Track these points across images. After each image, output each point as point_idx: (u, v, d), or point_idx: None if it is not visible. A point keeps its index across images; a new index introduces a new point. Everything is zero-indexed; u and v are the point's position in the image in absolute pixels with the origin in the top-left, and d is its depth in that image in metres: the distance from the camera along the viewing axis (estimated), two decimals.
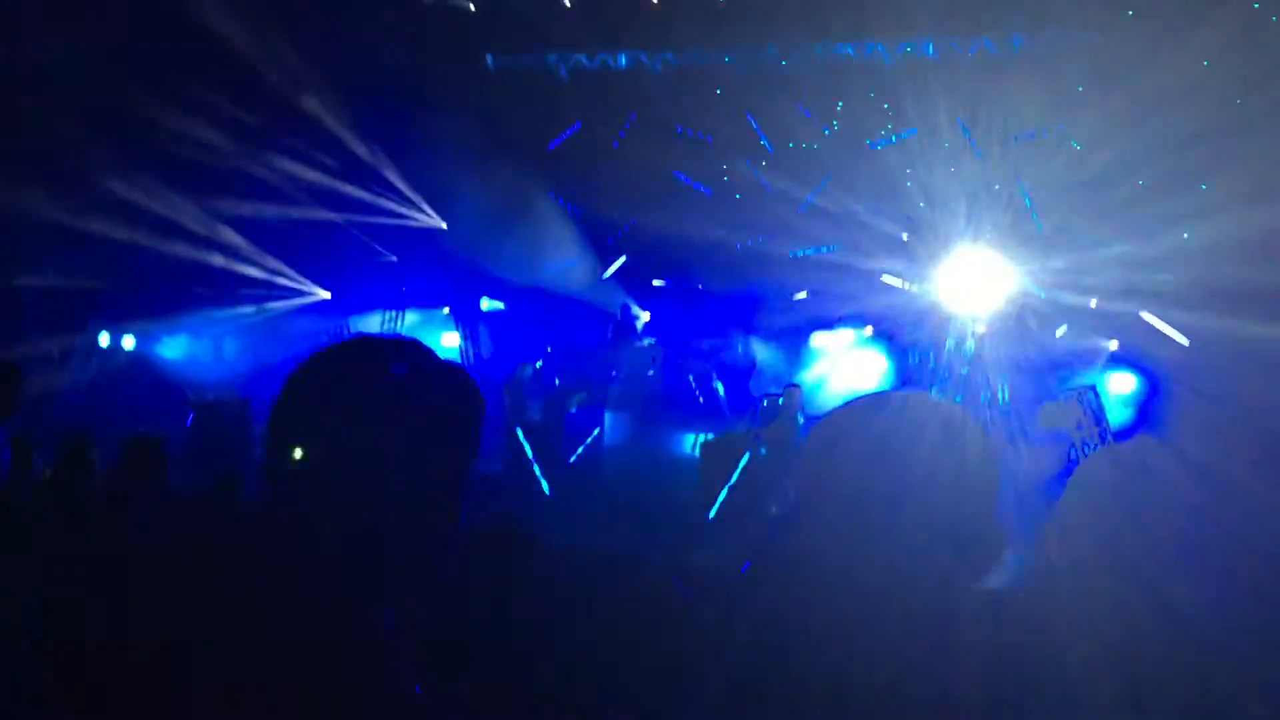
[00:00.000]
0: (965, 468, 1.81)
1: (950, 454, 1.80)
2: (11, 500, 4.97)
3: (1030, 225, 17.48)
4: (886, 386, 15.29)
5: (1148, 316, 15.42)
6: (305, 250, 18.25)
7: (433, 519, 1.63)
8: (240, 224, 17.15)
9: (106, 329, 16.97)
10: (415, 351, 1.70)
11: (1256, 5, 13.49)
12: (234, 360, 17.11)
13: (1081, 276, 16.11)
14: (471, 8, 18.51)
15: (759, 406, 13.34)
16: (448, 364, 1.72)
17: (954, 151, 18.04)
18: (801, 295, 17.42)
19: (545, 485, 12.46)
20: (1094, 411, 11.20)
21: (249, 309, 17.59)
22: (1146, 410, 14.06)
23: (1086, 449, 10.87)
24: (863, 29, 17.36)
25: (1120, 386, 14.36)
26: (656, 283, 18.86)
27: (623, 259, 19.51)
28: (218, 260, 16.92)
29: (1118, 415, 12.73)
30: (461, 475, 1.69)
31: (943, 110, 17.73)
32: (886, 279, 17.84)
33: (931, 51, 17.24)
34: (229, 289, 17.41)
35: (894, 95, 17.89)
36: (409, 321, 18.48)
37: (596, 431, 13.67)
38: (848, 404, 1.95)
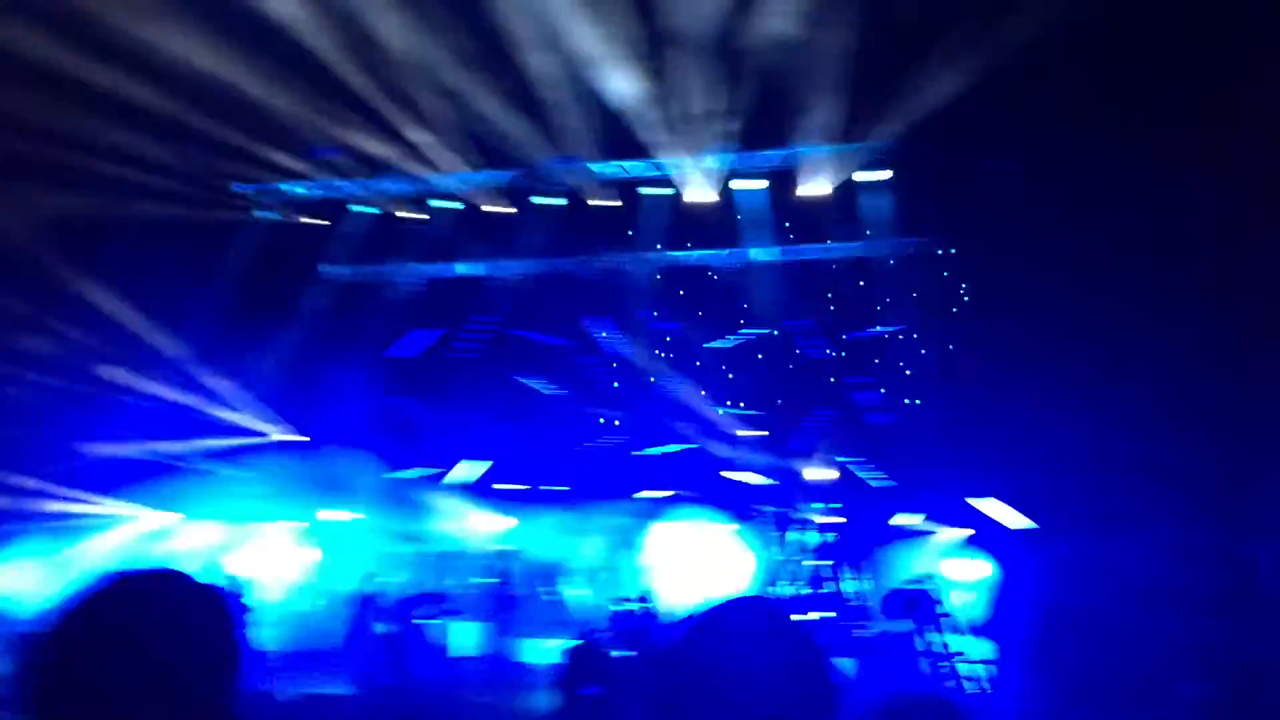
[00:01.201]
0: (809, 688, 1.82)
1: (792, 672, 1.81)
2: None
3: (875, 415, 18.17)
4: (745, 582, 15.34)
5: (989, 505, 15.90)
6: (154, 475, 17.52)
7: None
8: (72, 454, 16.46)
9: None
10: (165, 585, 1.74)
11: None
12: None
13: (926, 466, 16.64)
14: (311, 223, 18.82)
15: (614, 613, 13.15)
16: (192, 592, 1.76)
17: (798, 349, 18.82)
18: (655, 494, 17.50)
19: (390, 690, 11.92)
20: (938, 600, 11.42)
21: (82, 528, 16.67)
22: (1002, 599, 14.32)
23: (935, 636, 11.02)
24: (705, 237, 18.25)
25: (965, 573, 14.65)
26: (501, 486, 18.70)
27: (488, 464, 19.30)
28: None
29: (973, 603, 12.98)
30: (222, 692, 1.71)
31: (782, 310, 18.59)
32: (732, 475, 18.09)
33: (766, 255, 18.16)
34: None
35: (732, 297, 18.74)
36: (262, 540, 17.73)
37: (443, 643, 13.23)
38: (694, 621, 1.91)
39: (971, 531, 15.88)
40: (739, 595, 1.97)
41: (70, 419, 16.09)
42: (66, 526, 16.34)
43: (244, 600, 12.86)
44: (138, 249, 16.04)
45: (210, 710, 1.68)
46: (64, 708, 1.59)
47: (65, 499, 16.49)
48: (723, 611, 1.92)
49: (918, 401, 17.68)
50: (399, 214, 18.84)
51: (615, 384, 19.83)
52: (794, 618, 1.94)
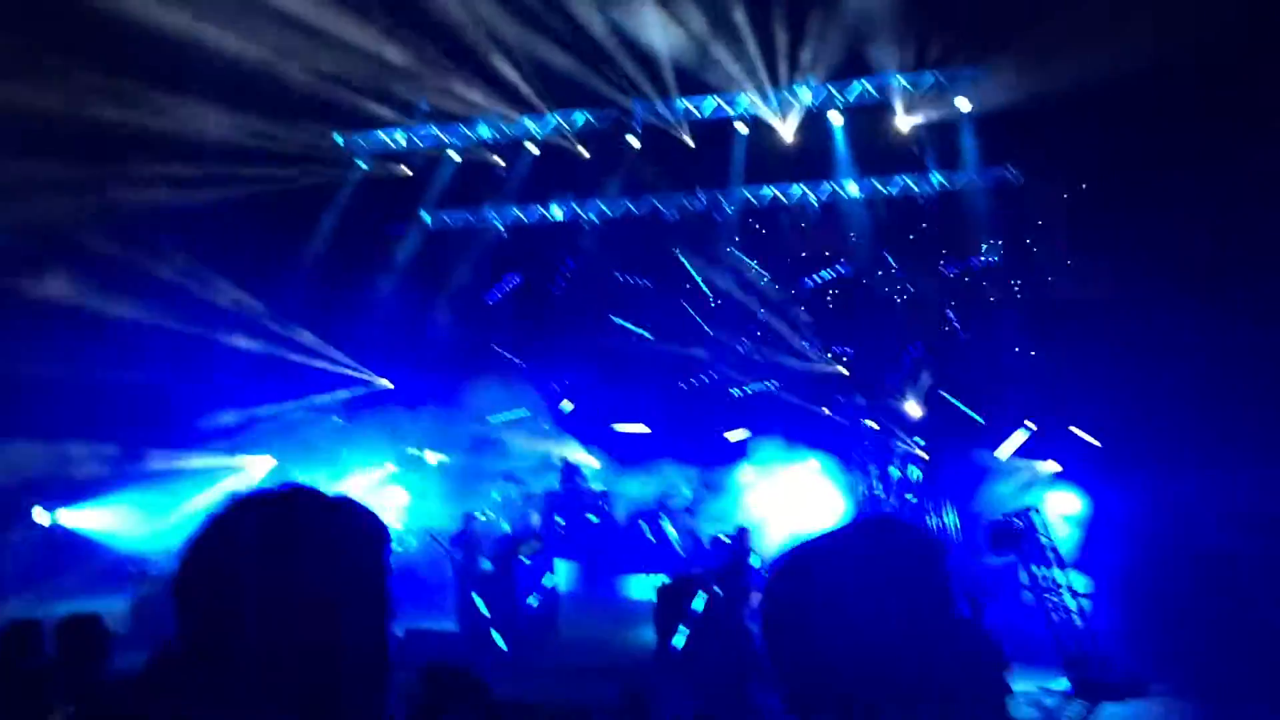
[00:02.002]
0: (944, 606, 1.68)
1: (928, 591, 1.68)
2: None
3: (961, 350, 18.00)
4: (835, 520, 15.33)
5: (1078, 432, 15.75)
6: (250, 415, 18.14)
7: (359, 668, 1.58)
8: (187, 394, 17.09)
9: (42, 505, 16.65)
10: (304, 501, 1.65)
11: None
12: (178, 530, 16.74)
13: (1018, 399, 16.50)
14: (409, 174, 19.09)
15: (711, 548, 13.32)
16: (338, 506, 1.67)
17: (886, 286, 18.66)
18: (743, 433, 17.59)
19: (500, 640, 12.26)
20: (1042, 532, 11.36)
21: (189, 480, 17.35)
22: (1093, 531, 14.26)
23: (1037, 568, 10.99)
24: (789, 174, 18.11)
25: (1064, 507, 14.53)
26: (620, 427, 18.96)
27: (570, 405, 19.66)
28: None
29: (1069, 536, 12.92)
30: (378, 617, 1.63)
31: (873, 247, 18.41)
32: (825, 411, 18.13)
33: (856, 193, 17.95)
34: (175, 460, 17.24)
35: (825, 235, 18.58)
36: (353, 481, 18.32)
37: (550, 580, 13.55)
38: (811, 544, 1.77)
39: (1060, 467, 15.73)
40: (865, 517, 1.88)
41: (170, 376, 16.69)
42: (170, 478, 17.02)
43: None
44: (236, 208, 16.54)
45: (365, 634, 1.60)
46: (213, 616, 1.54)
47: (167, 453, 17.18)
48: (848, 532, 1.79)
49: (1016, 349, 17.40)
50: (491, 159, 19.02)
51: (706, 323, 19.89)
52: (921, 535, 1.79)
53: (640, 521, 16.39)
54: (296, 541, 1.58)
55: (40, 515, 16.61)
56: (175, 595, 1.58)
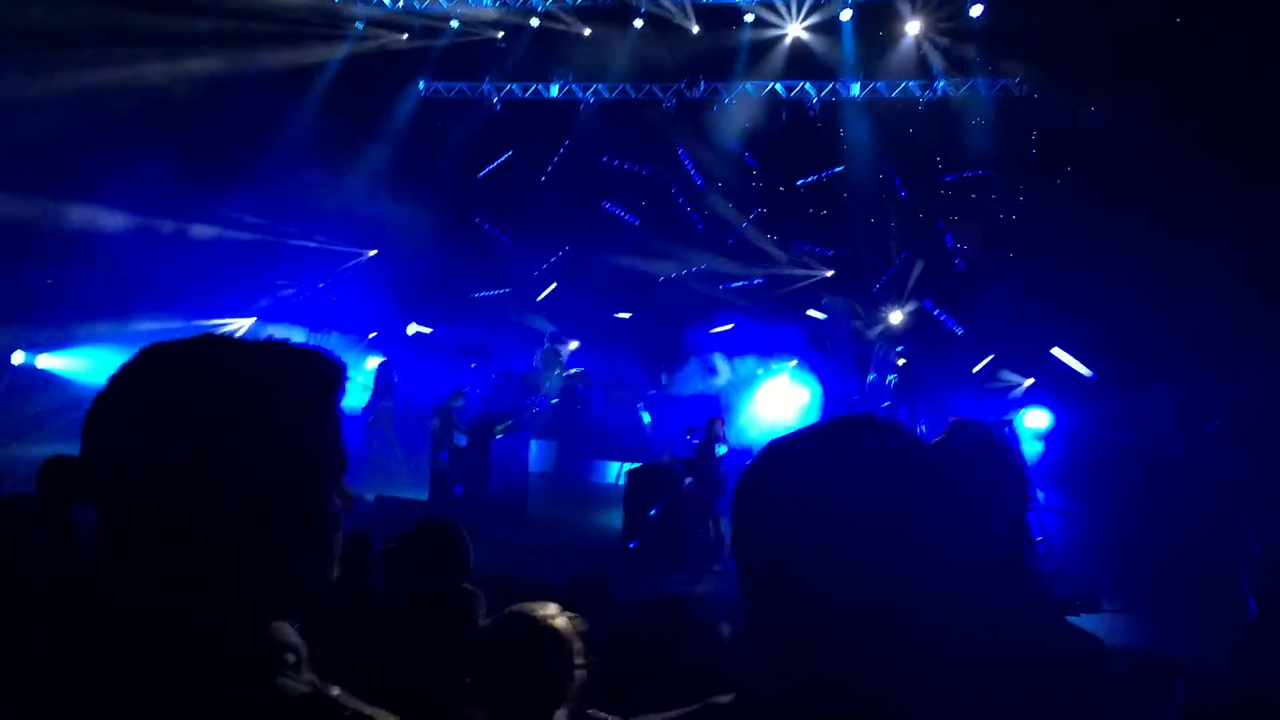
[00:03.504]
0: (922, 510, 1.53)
1: (907, 492, 1.52)
2: None
3: (951, 264, 18.01)
4: (810, 418, 15.51)
5: (1059, 353, 15.91)
6: (232, 273, 18.04)
7: (288, 530, 1.40)
8: (168, 244, 16.97)
9: (21, 347, 16.63)
10: (225, 346, 1.45)
11: None
12: None
13: (996, 314, 16.59)
14: (404, 38, 18.62)
15: (683, 436, 13.46)
16: (267, 349, 1.46)
17: (878, 191, 18.53)
18: (727, 327, 17.63)
19: (468, 511, 12.44)
20: (1013, 445, 11.50)
21: (176, 325, 17.29)
22: (1054, 445, 14.53)
23: None
24: (792, 70, 17.81)
25: (1034, 421, 14.74)
26: (620, 316, 18.98)
27: (552, 286, 19.62)
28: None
29: (1030, 449, 13.10)
30: (313, 470, 1.44)
31: (868, 151, 18.22)
32: (811, 313, 18.18)
33: (857, 93, 17.68)
34: (157, 307, 17.17)
35: (820, 135, 18.37)
36: (335, 344, 18.31)
37: (521, 459, 13.68)
38: (789, 438, 1.65)
39: (1033, 380, 15.92)
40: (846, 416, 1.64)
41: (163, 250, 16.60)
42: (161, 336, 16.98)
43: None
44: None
45: (294, 491, 1.41)
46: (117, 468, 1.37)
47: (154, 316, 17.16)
48: (828, 428, 1.65)
49: (1003, 264, 17.43)
50: (490, 32, 18.59)
51: (697, 215, 19.77)
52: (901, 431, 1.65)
53: (612, 409, 16.51)
54: (211, 389, 1.38)
55: (18, 357, 16.61)
56: (81, 464, 1.40)
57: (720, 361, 16.78)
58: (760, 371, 16.64)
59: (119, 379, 1.41)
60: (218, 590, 1.35)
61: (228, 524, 1.35)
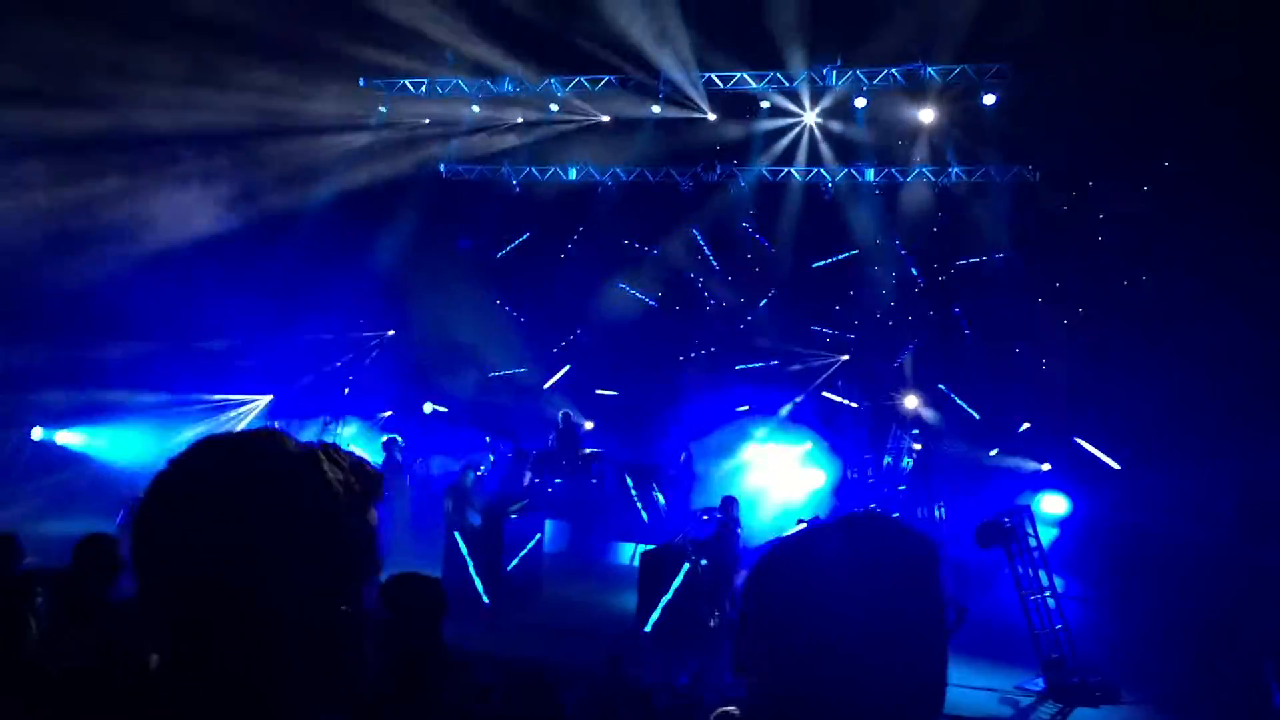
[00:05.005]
0: (923, 614, 1.60)
1: (910, 596, 1.58)
2: None
3: (965, 348, 18.05)
4: (823, 500, 15.46)
5: (1083, 443, 15.84)
6: (248, 354, 18.21)
7: (310, 636, 1.44)
8: (184, 325, 17.14)
9: (40, 424, 16.77)
10: (266, 445, 1.50)
11: None
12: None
13: (1011, 398, 16.59)
14: (426, 122, 18.99)
15: (698, 519, 13.40)
16: (310, 454, 1.51)
17: (894, 274, 18.67)
18: (743, 408, 17.66)
19: (483, 593, 12.35)
20: (1030, 533, 11.42)
21: (189, 409, 17.42)
22: (1070, 533, 14.41)
23: (1024, 569, 11.07)
24: (808, 155, 18.08)
25: (1051, 507, 14.65)
26: (601, 392, 19.06)
27: (566, 368, 19.73)
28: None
29: (1045, 536, 13.00)
30: (342, 581, 1.49)
31: (883, 235, 18.40)
32: (826, 395, 18.21)
33: (871, 178, 17.90)
34: (173, 390, 17.33)
35: (836, 218, 18.56)
36: (349, 428, 18.40)
37: (536, 539, 13.63)
38: (793, 538, 1.69)
39: (1049, 466, 15.84)
40: (853, 512, 1.77)
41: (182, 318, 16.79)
42: (177, 413, 17.14)
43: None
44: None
45: (322, 599, 1.46)
46: (160, 565, 1.42)
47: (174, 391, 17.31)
48: (836, 525, 1.69)
49: (1018, 350, 17.45)
50: (510, 115, 18.93)
51: (711, 297, 19.93)
52: (909, 533, 1.69)
53: (630, 487, 16.46)
54: (258, 492, 1.43)
55: (36, 433, 16.74)
56: (135, 542, 1.46)
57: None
58: (774, 452, 16.61)
59: (172, 473, 1.47)
60: (245, 687, 1.39)
61: (266, 623, 1.41)
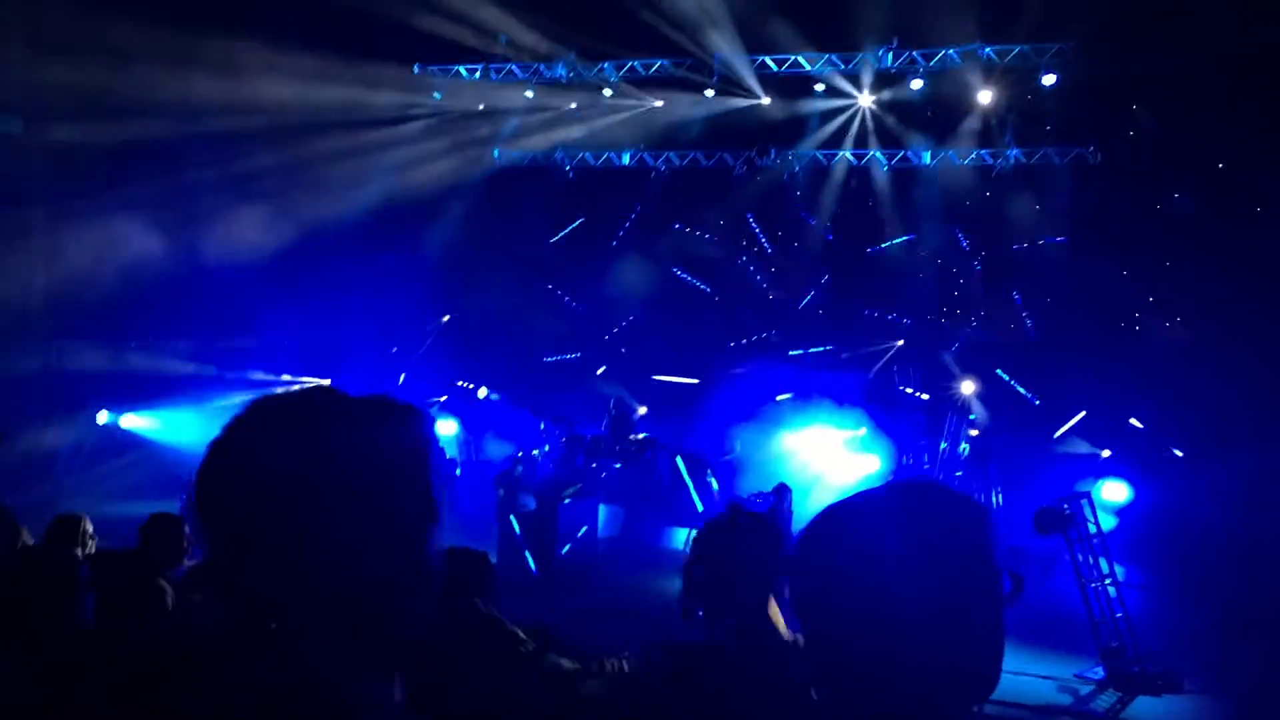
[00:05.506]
0: (976, 580, 1.58)
1: (964, 561, 1.57)
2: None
3: (1023, 331, 17.79)
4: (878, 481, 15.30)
5: (1136, 423, 15.59)
6: (306, 339, 18.45)
7: (398, 573, 1.43)
8: (242, 306, 17.43)
9: (106, 408, 17.11)
10: (319, 399, 1.49)
11: None
12: None
13: (1072, 384, 16.33)
14: (480, 108, 19.06)
15: (751, 501, 13.35)
16: (369, 402, 1.50)
17: (951, 258, 18.44)
18: (785, 396, 17.54)
19: (537, 576, 12.43)
20: (1090, 519, 11.25)
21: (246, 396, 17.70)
22: (1131, 520, 14.17)
23: (1084, 556, 10.90)
24: (863, 138, 17.91)
25: (1112, 494, 14.40)
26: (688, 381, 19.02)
27: (622, 351, 19.75)
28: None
29: (1105, 523, 12.79)
30: (419, 517, 1.47)
31: (939, 218, 18.18)
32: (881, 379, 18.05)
33: (928, 161, 17.68)
34: (230, 375, 17.63)
35: (892, 202, 18.37)
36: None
37: (590, 524, 13.67)
38: (846, 502, 1.69)
39: (1109, 453, 15.59)
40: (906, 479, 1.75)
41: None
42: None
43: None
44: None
45: (403, 535, 1.44)
46: (223, 528, 1.42)
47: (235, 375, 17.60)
48: (886, 492, 1.71)
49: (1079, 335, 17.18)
50: (564, 101, 18.94)
51: (766, 282, 19.83)
52: (962, 499, 1.69)
53: (684, 472, 16.44)
54: (320, 439, 1.42)
55: (102, 416, 17.09)
56: (197, 511, 1.45)
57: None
58: (830, 438, 16.49)
59: (231, 431, 1.46)
60: (338, 644, 1.38)
61: (339, 576, 1.39)
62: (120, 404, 17.24)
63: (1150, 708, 9.61)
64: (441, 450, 1.55)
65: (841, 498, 1.71)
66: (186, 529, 5.53)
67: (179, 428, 17.10)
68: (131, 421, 17.42)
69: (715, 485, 16.27)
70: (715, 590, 3.23)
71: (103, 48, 14.03)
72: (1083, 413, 15.90)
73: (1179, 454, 15.19)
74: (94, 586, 4.32)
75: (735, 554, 3.24)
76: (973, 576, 1.58)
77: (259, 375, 18.03)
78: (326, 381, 18.37)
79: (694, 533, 11.17)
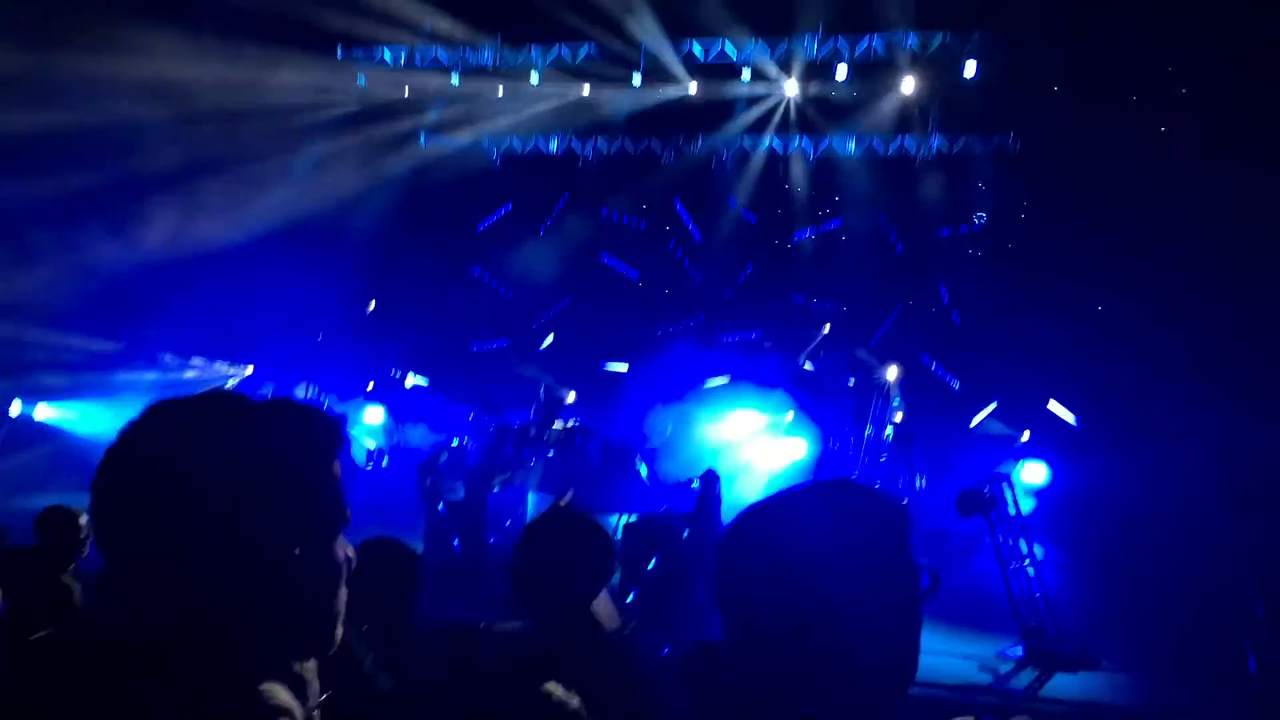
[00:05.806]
0: (894, 579, 1.62)
1: (882, 561, 1.61)
2: None
3: (947, 317, 18.09)
4: (804, 470, 15.49)
5: (1055, 407, 15.93)
6: (229, 324, 18.08)
7: (283, 580, 1.42)
8: (162, 292, 17.02)
9: (19, 397, 16.63)
10: (219, 401, 1.48)
11: None
12: None
13: (993, 367, 16.64)
14: (405, 94, 18.82)
15: (683, 489, 13.42)
16: (274, 404, 1.50)
17: (875, 245, 18.67)
18: (723, 380, 17.64)
19: (462, 559, 12.36)
20: (1010, 501, 11.50)
21: (160, 376, 17.35)
22: (1049, 501, 14.51)
23: (1004, 538, 11.15)
24: (788, 125, 18.02)
25: (1031, 476, 14.73)
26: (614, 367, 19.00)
27: (550, 338, 19.68)
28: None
29: (1024, 505, 13.10)
30: (326, 523, 1.47)
31: (864, 205, 18.39)
32: (808, 366, 18.21)
33: (852, 149, 17.87)
34: (145, 360, 17.24)
35: (819, 189, 18.55)
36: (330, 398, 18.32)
37: (518, 513, 13.63)
38: (767, 502, 1.71)
39: (1028, 435, 15.93)
40: (825, 479, 1.79)
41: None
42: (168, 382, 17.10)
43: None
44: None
45: (292, 543, 1.43)
46: (118, 533, 1.40)
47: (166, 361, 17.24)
48: (805, 491, 1.72)
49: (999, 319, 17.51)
50: (490, 86, 18.78)
51: (693, 269, 19.90)
52: (881, 499, 1.73)
53: (610, 463, 16.46)
54: (218, 444, 1.40)
55: (15, 407, 16.61)
56: (94, 520, 1.43)
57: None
58: (756, 423, 16.60)
59: (128, 436, 1.43)
60: (221, 646, 1.36)
61: (236, 580, 1.38)
62: (32, 395, 16.76)
63: (1067, 684, 9.87)
64: (351, 455, 1.56)
65: (763, 497, 1.72)
66: (83, 520, 5.34)
67: (93, 419, 16.69)
68: (46, 413, 16.95)
69: (645, 472, 16.31)
70: (535, 581, 3.56)
71: None
72: (994, 404, 16.20)
73: (1072, 421, 15.53)
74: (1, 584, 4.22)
75: (560, 552, 3.57)
76: (891, 574, 1.62)
77: (168, 357, 17.67)
78: (245, 368, 18.12)
79: (626, 519, 11.16)
